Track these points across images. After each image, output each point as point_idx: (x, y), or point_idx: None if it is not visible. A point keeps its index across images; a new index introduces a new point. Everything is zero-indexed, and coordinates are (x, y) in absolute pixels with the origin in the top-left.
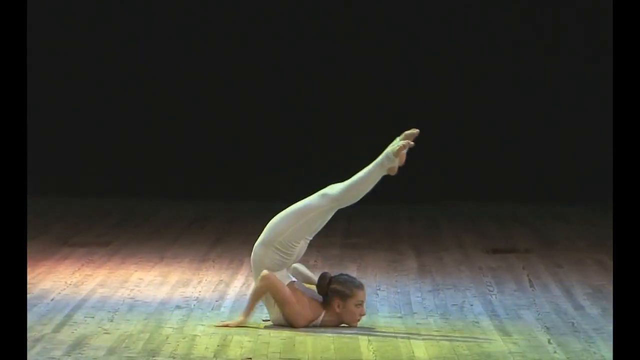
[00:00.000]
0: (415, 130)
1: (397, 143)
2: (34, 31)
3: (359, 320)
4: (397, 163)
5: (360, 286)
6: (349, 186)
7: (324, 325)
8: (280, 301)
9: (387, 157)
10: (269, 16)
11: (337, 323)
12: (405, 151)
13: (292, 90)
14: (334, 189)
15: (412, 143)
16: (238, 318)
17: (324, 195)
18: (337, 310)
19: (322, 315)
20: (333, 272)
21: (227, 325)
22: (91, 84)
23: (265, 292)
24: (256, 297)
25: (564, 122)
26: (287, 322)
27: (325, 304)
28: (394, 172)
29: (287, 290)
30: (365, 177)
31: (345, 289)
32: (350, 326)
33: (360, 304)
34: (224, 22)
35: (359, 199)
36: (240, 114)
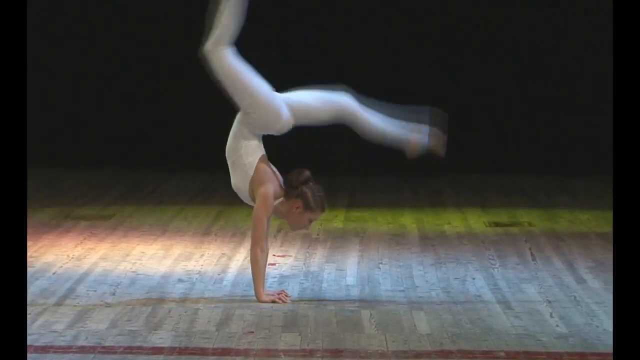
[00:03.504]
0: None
1: (433, 139)
2: (32, 28)
3: (299, 229)
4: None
5: (324, 210)
6: (372, 125)
7: (274, 212)
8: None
9: (419, 136)
10: None
11: (283, 216)
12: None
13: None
14: (357, 107)
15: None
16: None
17: (344, 106)
18: (293, 210)
19: (280, 201)
20: (314, 183)
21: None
22: (96, 56)
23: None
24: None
25: (570, 94)
26: (255, 213)
27: (287, 195)
28: (413, 153)
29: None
30: (385, 135)
31: (313, 201)
32: (290, 228)
33: (312, 221)
34: None
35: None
36: None
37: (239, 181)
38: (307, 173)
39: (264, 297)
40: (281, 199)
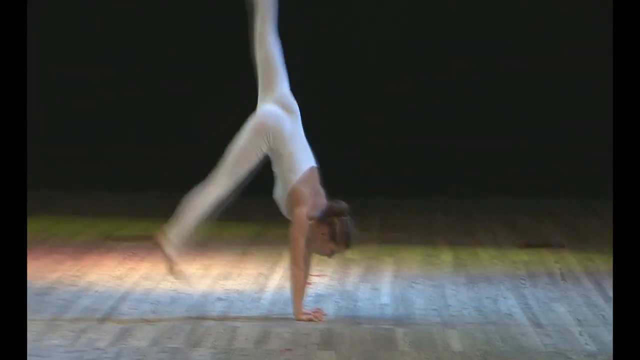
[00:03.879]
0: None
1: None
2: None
3: (320, 254)
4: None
5: (348, 246)
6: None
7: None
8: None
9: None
10: None
11: (310, 237)
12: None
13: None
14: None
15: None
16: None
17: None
18: (319, 235)
19: (310, 222)
20: (348, 218)
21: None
22: (133, 73)
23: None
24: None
25: (599, 116)
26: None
27: (319, 220)
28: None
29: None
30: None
31: (340, 235)
32: (312, 250)
33: (335, 253)
34: None
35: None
36: None
37: (278, 193)
38: (344, 205)
39: (301, 316)
40: (312, 221)
